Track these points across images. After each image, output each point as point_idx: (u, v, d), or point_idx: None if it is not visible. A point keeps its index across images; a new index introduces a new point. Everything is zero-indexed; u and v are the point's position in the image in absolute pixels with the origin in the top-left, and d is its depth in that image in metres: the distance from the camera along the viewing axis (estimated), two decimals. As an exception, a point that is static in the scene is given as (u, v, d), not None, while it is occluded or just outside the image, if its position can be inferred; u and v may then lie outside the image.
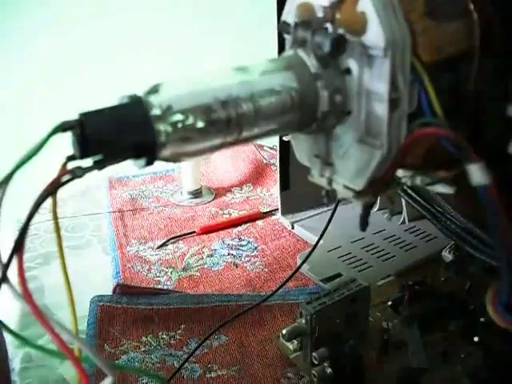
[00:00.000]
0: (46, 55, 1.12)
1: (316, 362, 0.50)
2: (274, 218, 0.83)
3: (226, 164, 0.98)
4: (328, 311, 0.51)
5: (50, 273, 0.72)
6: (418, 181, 0.35)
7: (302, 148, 0.34)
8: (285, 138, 0.73)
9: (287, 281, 0.60)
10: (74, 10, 1.12)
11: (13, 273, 0.26)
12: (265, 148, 1.00)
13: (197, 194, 0.89)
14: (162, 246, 0.76)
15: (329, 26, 0.29)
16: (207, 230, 0.79)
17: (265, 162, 0.98)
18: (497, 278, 0.29)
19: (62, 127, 0.24)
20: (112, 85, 0.86)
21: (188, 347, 0.58)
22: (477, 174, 0.26)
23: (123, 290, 0.65)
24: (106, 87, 0.86)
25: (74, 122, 0.23)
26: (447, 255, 0.63)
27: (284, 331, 0.52)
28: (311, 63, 0.29)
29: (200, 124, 0.25)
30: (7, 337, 0.52)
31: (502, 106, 0.33)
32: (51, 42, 1.12)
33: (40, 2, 1.11)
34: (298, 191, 0.79)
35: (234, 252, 0.75)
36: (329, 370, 0.49)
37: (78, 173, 0.24)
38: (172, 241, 0.77)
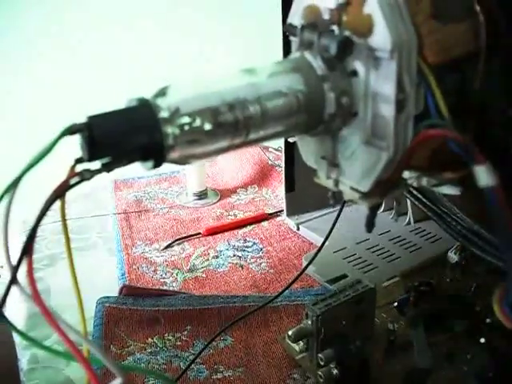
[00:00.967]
0: (51, 57, 1.12)
1: (322, 363, 0.50)
2: (279, 219, 0.83)
3: (232, 165, 0.98)
4: (334, 312, 0.51)
5: (56, 274, 0.72)
6: (425, 182, 0.35)
7: (309, 150, 0.34)
8: (290, 140, 0.73)
9: (293, 282, 0.60)
10: (80, 12, 1.12)
11: (21, 274, 0.26)
12: (270, 149, 1.00)
13: (202, 195, 0.89)
14: (167, 247, 0.77)
15: (335, 28, 0.29)
16: (213, 232, 0.79)
17: (270, 163, 0.98)
18: (503, 279, 0.29)
19: (71, 130, 0.24)
20: (117, 88, 0.87)
21: (194, 348, 0.58)
22: (483, 175, 0.26)
23: (129, 291, 0.65)
24: (111, 90, 0.87)
25: (82, 125, 0.24)
26: (453, 256, 0.63)
27: (290, 332, 0.52)
28: (318, 65, 0.29)
29: (207, 126, 0.26)
30: (14, 338, 0.52)
31: (507, 107, 0.33)
32: (57, 43, 1.12)
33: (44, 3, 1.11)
34: (303, 192, 0.79)
35: (239, 253, 0.75)
36: (335, 371, 0.49)
37: (86, 175, 0.24)
38: (177, 242, 0.78)
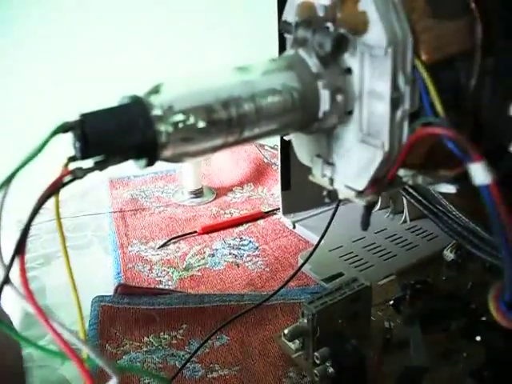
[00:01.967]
0: (44, 55, 1.12)
1: (318, 362, 0.50)
2: (275, 217, 0.83)
3: (227, 164, 0.98)
4: (330, 311, 0.51)
5: (51, 273, 0.72)
6: (420, 180, 0.35)
7: (303, 148, 0.34)
8: (286, 138, 0.73)
9: (289, 281, 0.60)
10: (73, 9, 1.12)
11: (14, 274, 0.26)
12: (266, 147, 1.00)
13: (198, 193, 0.89)
14: (163, 245, 0.76)
15: (330, 25, 0.29)
16: (208, 230, 0.79)
17: (266, 161, 0.98)
18: (499, 277, 0.29)
19: (63, 128, 0.24)
20: (110, 85, 0.86)
21: (190, 347, 0.58)
22: (479, 173, 0.26)
23: (125, 290, 0.65)
24: (104, 87, 0.86)
25: (74, 123, 0.23)
26: (449, 254, 0.63)
27: (286, 331, 0.52)
28: (312, 63, 0.29)
29: (201, 124, 0.25)
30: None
31: (502, 105, 0.33)
32: (49, 41, 1.12)
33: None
34: (299, 191, 0.79)
35: (235, 252, 0.75)
36: (331, 370, 0.49)
37: (79, 174, 0.24)
38: (173, 241, 0.77)
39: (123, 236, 0.79)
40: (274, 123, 0.28)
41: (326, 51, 0.28)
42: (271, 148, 1.00)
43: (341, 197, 0.33)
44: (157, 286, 0.68)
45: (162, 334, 0.60)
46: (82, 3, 1.12)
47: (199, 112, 0.25)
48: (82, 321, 0.27)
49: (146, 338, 0.59)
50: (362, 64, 0.29)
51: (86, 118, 0.23)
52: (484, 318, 0.53)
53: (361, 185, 0.31)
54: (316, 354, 0.50)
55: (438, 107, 0.28)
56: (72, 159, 0.25)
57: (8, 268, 0.24)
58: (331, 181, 0.33)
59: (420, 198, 0.56)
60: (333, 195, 0.35)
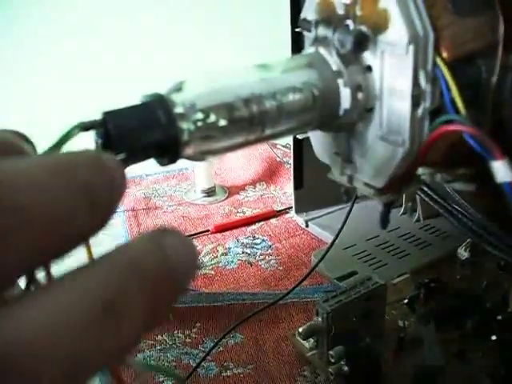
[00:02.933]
0: (53, 56, 1.12)
1: (333, 360, 0.50)
2: (287, 216, 0.83)
3: (240, 163, 0.98)
4: (344, 309, 0.51)
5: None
6: (438, 178, 0.35)
7: (322, 146, 0.34)
8: (299, 137, 0.74)
9: (303, 279, 0.59)
10: (84, 10, 1.12)
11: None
12: (278, 146, 1.00)
13: (210, 192, 0.89)
14: (176, 244, 0.76)
15: (350, 23, 0.29)
16: (221, 229, 0.79)
17: (278, 160, 0.98)
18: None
19: (84, 126, 0.24)
20: (122, 86, 0.87)
21: (203, 346, 0.58)
22: (501, 171, 0.25)
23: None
24: (116, 89, 0.87)
25: (96, 121, 0.23)
26: (463, 253, 0.63)
27: (300, 329, 0.52)
28: (333, 61, 0.29)
29: (223, 122, 0.25)
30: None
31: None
32: (62, 40, 1.12)
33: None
34: (311, 189, 0.79)
35: (248, 250, 0.75)
36: (345, 368, 0.49)
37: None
38: (186, 239, 0.77)
39: (136, 235, 0.79)
40: (294, 121, 0.28)
41: (346, 49, 0.28)
42: (283, 147, 1.00)
43: (359, 194, 0.33)
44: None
45: (176, 332, 0.60)
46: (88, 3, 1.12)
47: (221, 110, 0.25)
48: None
49: (160, 337, 0.59)
50: (383, 62, 0.28)
51: (108, 116, 0.23)
52: (499, 317, 0.53)
53: (380, 182, 0.31)
54: (331, 352, 0.50)
55: (459, 104, 0.27)
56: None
57: None
58: (350, 179, 0.33)
59: (435, 196, 0.56)
60: (350, 193, 0.35)
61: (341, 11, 0.29)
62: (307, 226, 0.79)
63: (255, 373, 0.55)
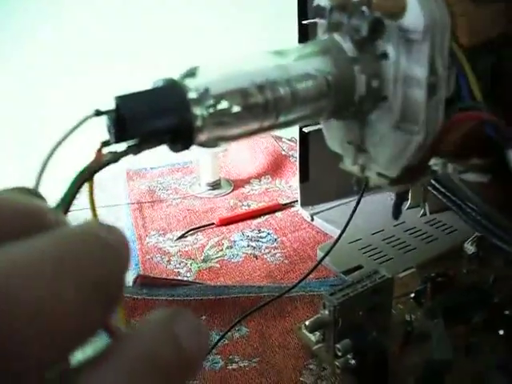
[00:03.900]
0: (51, 46, 1.12)
1: (339, 354, 0.49)
2: (293, 209, 0.82)
3: (245, 156, 0.98)
4: (351, 302, 0.51)
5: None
6: (450, 169, 0.35)
7: (334, 135, 0.34)
8: (305, 130, 0.73)
9: (310, 273, 0.59)
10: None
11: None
12: (283, 140, 1.00)
13: (215, 185, 0.89)
14: (181, 237, 0.76)
15: (365, 9, 0.29)
16: (226, 222, 0.79)
17: (283, 153, 0.97)
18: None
19: (97, 111, 0.23)
20: (127, 78, 0.86)
21: (209, 339, 0.58)
22: (519, 159, 0.25)
23: (143, 281, 0.65)
24: (120, 81, 0.86)
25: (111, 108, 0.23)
26: (470, 247, 0.62)
27: (307, 322, 0.52)
28: (348, 47, 0.28)
29: (237, 108, 0.25)
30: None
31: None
32: (56, 34, 1.12)
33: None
34: (317, 183, 0.79)
35: (253, 244, 0.74)
36: (352, 362, 0.49)
37: (113, 158, 0.24)
38: (191, 232, 0.77)
39: (141, 228, 0.79)
40: (309, 108, 0.27)
41: (362, 35, 0.27)
42: (289, 140, 0.99)
43: (372, 184, 0.33)
44: (175, 278, 0.68)
45: (181, 325, 0.60)
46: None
47: (235, 96, 0.25)
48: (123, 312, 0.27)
49: (165, 329, 0.59)
50: (398, 48, 0.28)
51: (121, 100, 0.23)
52: (507, 312, 0.52)
53: (394, 172, 0.30)
54: (338, 345, 0.49)
55: (477, 93, 0.27)
56: (105, 144, 0.24)
57: None
58: (363, 168, 0.32)
59: (442, 189, 0.55)
60: (361, 183, 0.35)
61: (356, -3, 0.29)
62: (312, 219, 0.78)
63: (261, 366, 0.54)
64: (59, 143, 0.24)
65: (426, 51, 0.27)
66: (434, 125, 0.28)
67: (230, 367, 0.54)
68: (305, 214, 0.80)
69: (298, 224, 0.79)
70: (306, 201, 0.80)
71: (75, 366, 0.16)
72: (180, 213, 0.83)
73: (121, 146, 0.25)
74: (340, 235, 0.58)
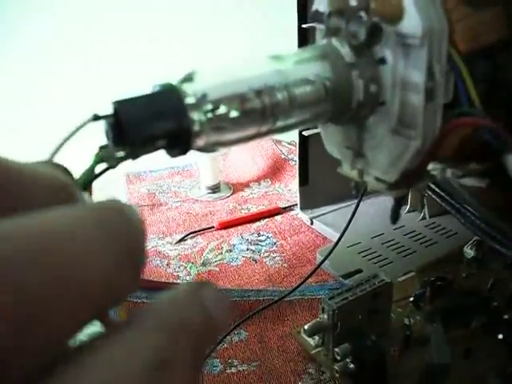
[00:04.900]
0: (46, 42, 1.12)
1: (338, 358, 0.49)
2: (292, 213, 0.82)
3: (244, 159, 0.98)
4: (350, 307, 0.51)
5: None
6: (449, 173, 0.35)
7: (333, 140, 0.34)
8: (305, 133, 0.73)
9: (309, 277, 0.59)
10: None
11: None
12: (283, 143, 1.00)
13: (215, 189, 0.89)
14: (180, 240, 0.76)
15: (363, 14, 0.29)
16: (226, 225, 0.79)
17: (283, 157, 0.97)
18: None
19: (95, 116, 0.24)
20: (125, 79, 0.86)
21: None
22: (516, 164, 0.25)
23: (143, 284, 0.65)
24: (121, 81, 0.86)
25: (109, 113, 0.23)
26: (469, 251, 0.62)
27: (306, 326, 0.52)
28: (345, 52, 0.28)
29: (235, 113, 0.25)
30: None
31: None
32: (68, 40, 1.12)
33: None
34: (316, 186, 0.79)
35: (253, 247, 0.74)
36: (351, 366, 0.49)
37: (111, 162, 0.24)
38: (190, 236, 0.77)
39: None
40: (306, 113, 0.27)
41: (359, 41, 0.27)
42: (288, 144, 0.99)
43: (370, 189, 0.33)
44: (175, 281, 0.68)
45: (180, 328, 0.60)
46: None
47: (233, 101, 0.25)
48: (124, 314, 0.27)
49: (164, 333, 0.59)
50: (396, 53, 0.28)
51: (119, 105, 0.23)
52: (506, 317, 0.52)
53: (392, 177, 0.30)
54: (336, 349, 0.49)
55: (474, 98, 0.27)
56: (103, 148, 0.24)
57: None
58: (361, 173, 0.32)
59: (442, 193, 0.55)
60: (360, 188, 0.35)
61: (354, 2, 0.29)
62: (312, 223, 0.78)
63: (260, 370, 0.54)
64: (58, 149, 0.24)
65: (423, 56, 0.27)
66: (432, 130, 0.28)
67: (229, 371, 0.54)
68: (304, 217, 0.80)
69: (298, 227, 0.79)
70: (306, 204, 0.80)
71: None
72: (179, 216, 0.83)
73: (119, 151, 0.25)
74: (339, 239, 0.59)
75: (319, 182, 0.78)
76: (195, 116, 0.24)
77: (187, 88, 0.24)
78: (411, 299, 0.57)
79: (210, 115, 0.24)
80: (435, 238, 0.72)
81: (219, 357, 0.56)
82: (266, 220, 0.81)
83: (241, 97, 0.25)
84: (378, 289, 0.52)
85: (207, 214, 0.83)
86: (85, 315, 0.15)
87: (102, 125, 0.25)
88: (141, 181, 0.94)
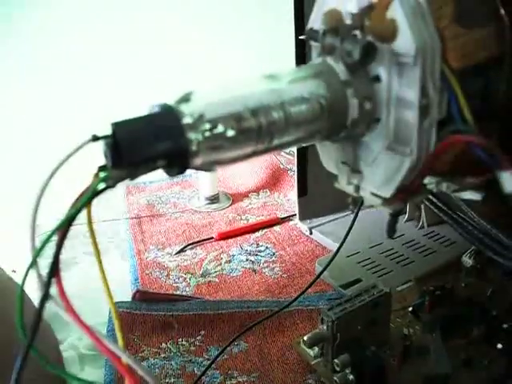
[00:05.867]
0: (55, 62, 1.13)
1: (338, 369, 0.49)
2: (291, 223, 0.83)
3: (243, 170, 0.98)
4: (350, 317, 0.51)
5: (69, 280, 0.72)
6: (444, 187, 0.35)
7: (329, 155, 0.34)
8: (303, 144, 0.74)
9: (308, 287, 0.59)
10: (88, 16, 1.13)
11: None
12: (282, 153, 1.00)
13: (214, 199, 0.89)
14: (180, 251, 0.77)
15: (357, 33, 0.29)
16: (225, 236, 0.79)
17: (282, 167, 0.98)
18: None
19: (94, 137, 0.24)
20: (124, 94, 0.87)
21: (208, 354, 0.58)
22: (510, 181, 0.25)
23: (143, 296, 0.65)
24: (119, 98, 0.87)
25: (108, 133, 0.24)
26: (467, 260, 0.63)
27: (306, 338, 0.52)
28: (340, 70, 0.29)
29: (231, 132, 0.25)
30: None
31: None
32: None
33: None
34: (315, 197, 0.79)
35: (252, 258, 0.75)
36: (351, 377, 0.49)
37: (110, 182, 0.24)
38: (190, 247, 0.78)
39: (140, 242, 0.79)
40: (302, 131, 0.28)
41: (354, 59, 0.28)
42: (287, 154, 1.00)
43: (366, 204, 0.33)
44: (174, 293, 0.68)
45: (180, 340, 0.60)
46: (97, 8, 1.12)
47: (229, 120, 0.25)
48: (121, 331, 0.27)
49: (164, 345, 0.59)
50: (390, 71, 0.28)
51: (117, 126, 0.24)
52: (505, 326, 0.53)
53: (388, 192, 0.31)
54: (336, 360, 0.50)
55: (467, 115, 0.27)
56: (102, 168, 0.25)
57: (47, 287, 0.24)
58: (357, 188, 0.33)
59: (440, 204, 0.56)
60: (357, 202, 0.35)
61: (348, 21, 0.29)
62: (311, 233, 0.79)
63: (260, 381, 0.54)
64: (57, 169, 0.24)
65: (417, 74, 0.27)
66: (427, 146, 0.29)
67: (229, 382, 0.54)
68: (303, 227, 0.80)
69: (297, 238, 0.79)
70: (305, 214, 0.80)
71: None
72: (179, 227, 0.83)
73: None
74: (338, 250, 0.59)
75: (318, 192, 0.78)
76: (192, 136, 0.24)
77: (184, 108, 0.25)
78: (410, 309, 0.58)
79: (207, 134, 0.25)
80: (434, 247, 0.72)
81: (219, 368, 0.56)
82: (265, 230, 0.81)
83: (237, 116, 0.26)
84: (376, 299, 0.53)
85: (206, 224, 0.84)
86: None
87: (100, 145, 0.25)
88: (140, 191, 0.94)
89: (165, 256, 0.76)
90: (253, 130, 0.26)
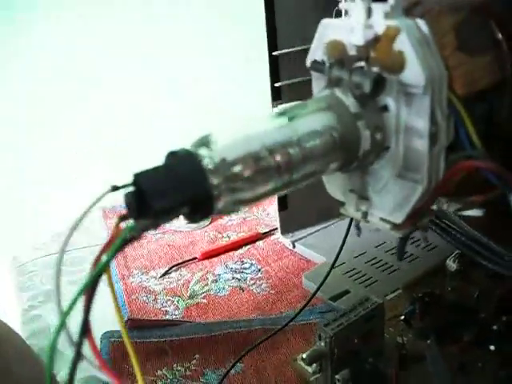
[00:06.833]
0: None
1: (338, 385, 0.50)
2: (273, 238, 0.83)
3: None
4: (346, 332, 0.51)
5: (54, 311, 0.71)
6: (445, 206, 0.36)
7: (335, 183, 0.34)
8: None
9: (303, 308, 0.59)
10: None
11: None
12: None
13: (193, 218, 0.89)
14: (164, 274, 0.76)
15: (363, 63, 0.29)
16: (209, 255, 0.79)
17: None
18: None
19: (114, 187, 0.24)
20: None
21: (204, 377, 0.58)
22: (523, 204, 0.26)
23: (134, 324, 0.64)
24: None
25: (127, 183, 0.23)
26: (452, 264, 0.63)
27: (304, 355, 0.52)
28: (350, 103, 0.29)
29: (251, 173, 0.25)
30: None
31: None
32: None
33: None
34: (296, 210, 0.79)
35: (238, 276, 0.75)
36: (351, 393, 0.49)
37: (134, 233, 0.24)
38: (174, 268, 0.77)
39: (123, 267, 0.78)
40: (318, 164, 0.28)
41: (364, 91, 0.28)
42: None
43: (374, 229, 0.33)
44: (164, 317, 0.67)
45: (175, 366, 0.60)
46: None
47: (249, 161, 0.25)
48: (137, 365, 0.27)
49: (159, 372, 0.59)
50: (399, 101, 0.29)
51: (139, 176, 0.23)
52: (495, 327, 0.54)
53: (399, 218, 0.31)
54: (337, 376, 0.50)
55: (476, 141, 0.28)
56: (123, 218, 0.25)
57: (78, 346, 0.24)
58: (365, 214, 0.33)
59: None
60: (360, 228, 0.35)
61: (353, 52, 0.30)
62: (294, 246, 0.79)
63: (259, 401, 0.54)
64: (79, 220, 0.24)
65: (426, 104, 0.28)
66: (437, 172, 0.29)
67: (230, 405, 0.54)
68: (286, 241, 0.80)
69: (280, 252, 0.79)
70: (286, 228, 0.80)
71: None
72: (161, 249, 0.82)
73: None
74: (332, 267, 0.59)
75: (298, 206, 0.78)
76: (215, 181, 0.24)
77: (204, 152, 0.25)
78: (402, 317, 0.58)
79: (228, 178, 0.25)
80: (417, 253, 0.73)
81: (218, 391, 0.56)
82: (248, 246, 0.81)
83: (256, 156, 0.26)
84: (371, 311, 0.53)
85: (188, 244, 0.83)
86: None
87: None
88: (117, 215, 0.93)
89: (150, 280, 0.75)
90: (272, 168, 0.26)
